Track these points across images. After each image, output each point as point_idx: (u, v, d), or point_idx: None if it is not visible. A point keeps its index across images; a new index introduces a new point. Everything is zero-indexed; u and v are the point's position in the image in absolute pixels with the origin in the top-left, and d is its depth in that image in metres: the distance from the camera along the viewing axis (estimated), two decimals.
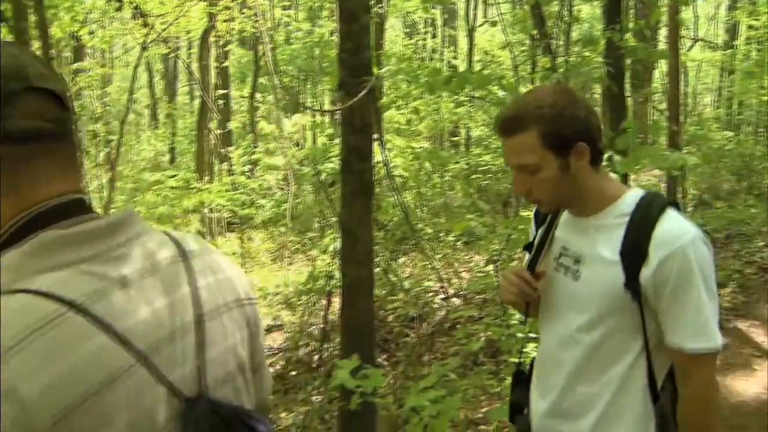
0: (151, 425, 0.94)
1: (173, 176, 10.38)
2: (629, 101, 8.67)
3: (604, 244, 1.75)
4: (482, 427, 4.54)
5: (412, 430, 3.56)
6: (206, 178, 11.00)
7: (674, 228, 1.68)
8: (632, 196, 1.77)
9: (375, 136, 4.54)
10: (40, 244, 0.95)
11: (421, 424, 3.30)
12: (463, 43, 18.81)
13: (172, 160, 16.65)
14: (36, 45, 6.84)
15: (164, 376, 0.97)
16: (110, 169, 11.39)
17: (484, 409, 4.76)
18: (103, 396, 0.89)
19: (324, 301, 7.13)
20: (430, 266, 6.68)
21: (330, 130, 8.64)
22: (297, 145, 9.88)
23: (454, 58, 18.73)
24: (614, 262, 1.71)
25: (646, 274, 1.66)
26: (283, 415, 5.83)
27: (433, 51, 19.71)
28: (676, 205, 1.76)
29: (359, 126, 4.07)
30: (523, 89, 6.40)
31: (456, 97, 9.35)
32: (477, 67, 12.46)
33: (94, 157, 12.87)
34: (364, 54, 4.12)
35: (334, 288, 6.64)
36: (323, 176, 6.38)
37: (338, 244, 6.27)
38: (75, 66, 11.10)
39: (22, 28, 5.20)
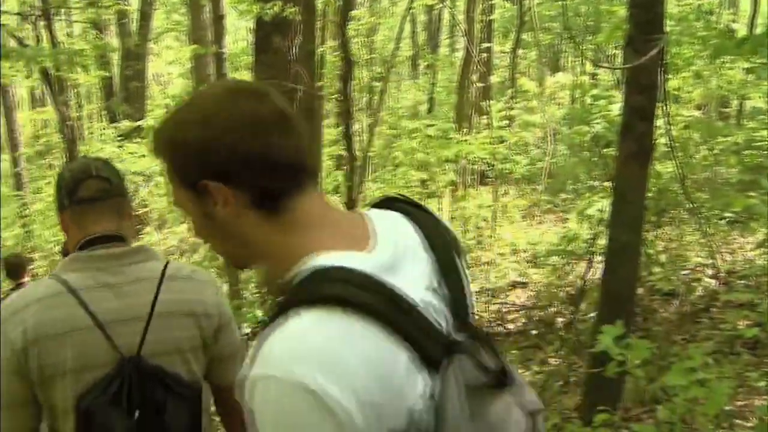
0: (91, 361, 1.68)
1: (431, 125, 10.58)
2: None
3: None
4: (737, 421, 4.22)
5: (664, 412, 3.41)
6: (464, 130, 11.14)
7: (265, 351, 0.96)
8: (305, 269, 1.06)
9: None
10: (72, 258, 1.79)
11: (677, 406, 3.15)
12: (745, 4, 17.21)
13: (429, 110, 17.00)
14: None
15: (111, 337, 1.70)
16: (372, 115, 11.93)
17: (739, 403, 4.43)
18: (66, 336, 1.67)
19: (581, 265, 7.00)
20: (699, 242, 6.29)
21: (594, 91, 8.36)
22: (559, 104, 9.68)
23: (733, 21, 17.18)
24: None
25: None
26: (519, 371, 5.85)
27: (709, 12, 18.21)
28: (340, 302, 0.98)
29: (645, 86, 3.89)
30: None
31: (738, 64, 8.59)
32: (760, 31, 11.33)
33: (358, 101, 13.53)
34: (657, 10, 3.91)
35: (591, 252, 6.49)
36: (589, 136, 6.20)
37: (600, 207, 6.10)
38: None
39: None
